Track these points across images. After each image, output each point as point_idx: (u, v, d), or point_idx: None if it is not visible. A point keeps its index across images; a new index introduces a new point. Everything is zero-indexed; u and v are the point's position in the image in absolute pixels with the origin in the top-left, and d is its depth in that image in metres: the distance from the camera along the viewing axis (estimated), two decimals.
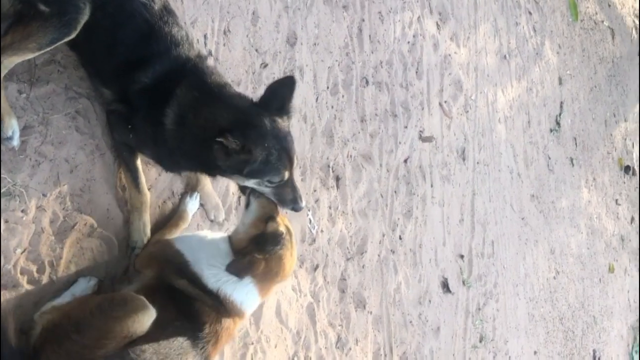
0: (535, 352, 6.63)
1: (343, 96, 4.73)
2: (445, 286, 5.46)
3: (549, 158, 7.44)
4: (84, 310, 2.57)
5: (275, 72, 4.19)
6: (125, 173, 3.14)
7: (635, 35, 10.64)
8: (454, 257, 5.64)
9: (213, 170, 2.93)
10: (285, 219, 3.01)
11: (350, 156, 4.72)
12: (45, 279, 2.84)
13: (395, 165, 5.13)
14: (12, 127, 2.74)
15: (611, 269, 8.50)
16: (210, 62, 3.11)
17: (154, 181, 3.35)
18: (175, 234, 3.31)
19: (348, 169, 4.68)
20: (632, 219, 9.39)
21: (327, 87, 4.62)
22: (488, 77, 6.55)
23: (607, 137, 9.10)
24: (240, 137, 2.68)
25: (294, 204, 2.96)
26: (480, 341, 5.77)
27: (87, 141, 3.06)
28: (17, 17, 2.67)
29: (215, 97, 2.88)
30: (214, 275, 2.85)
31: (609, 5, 9.93)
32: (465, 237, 5.84)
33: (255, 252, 2.85)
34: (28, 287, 2.78)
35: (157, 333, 2.60)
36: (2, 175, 2.72)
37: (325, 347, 4.24)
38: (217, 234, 3.07)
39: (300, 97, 4.36)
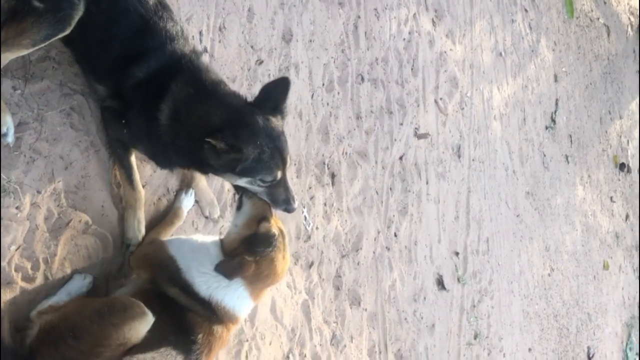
0: (529, 349, 6.64)
1: (338, 93, 4.73)
2: (440, 283, 5.46)
3: (544, 155, 7.45)
4: (82, 314, 2.56)
5: (271, 69, 4.19)
6: (120, 170, 3.13)
7: (630, 32, 10.65)
8: (449, 254, 5.64)
9: (206, 168, 2.91)
10: (278, 221, 3.00)
11: (346, 153, 4.72)
12: (39, 276, 2.84)
13: (391, 162, 5.13)
14: (7, 123, 2.74)
15: (606, 266, 8.52)
16: (205, 58, 3.10)
17: (148, 178, 3.35)
18: (170, 231, 3.31)
19: (343, 166, 4.68)
20: (627, 216, 9.41)
21: (323, 84, 4.61)
22: (484, 74, 6.55)
23: (602, 135, 9.11)
24: (231, 136, 2.68)
25: (287, 205, 2.95)
26: (475, 338, 5.77)
27: (82, 138, 3.05)
28: (11, 13, 2.66)
29: (209, 95, 2.88)
30: (205, 283, 2.83)
31: (605, 3, 9.93)
32: (460, 234, 5.84)
33: (246, 253, 2.83)
34: (22, 284, 2.78)
35: (150, 346, 2.58)
36: None
37: (320, 344, 4.25)
38: (209, 238, 3.05)
39: (296, 94, 4.35)
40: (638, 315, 9.23)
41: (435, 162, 5.63)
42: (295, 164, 4.27)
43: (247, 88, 3.97)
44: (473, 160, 6.13)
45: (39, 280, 2.84)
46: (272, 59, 4.23)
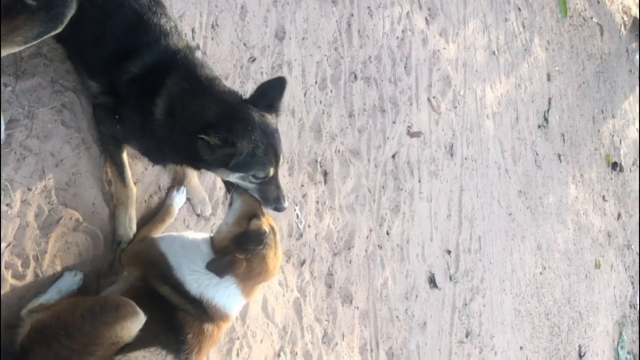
0: (521, 348, 6.66)
1: (331, 91, 4.73)
2: (432, 281, 5.47)
3: (537, 154, 7.47)
4: (74, 313, 2.55)
5: (264, 67, 4.18)
6: (111, 167, 3.13)
7: (623, 31, 10.68)
8: (441, 253, 5.65)
9: (199, 163, 2.91)
10: (269, 218, 2.99)
11: (338, 151, 4.72)
12: (30, 274, 2.83)
13: (383, 160, 5.13)
14: None
15: (597, 265, 8.54)
16: (198, 55, 3.10)
17: (140, 175, 3.34)
18: (162, 229, 3.30)
19: (336, 164, 4.68)
20: (619, 215, 9.44)
21: (316, 82, 4.61)
22: (477, 72, 6.56)
23: (594, 134, 9.13)
24: (225, 131, 2.68)
25: (277, 203, 2.95)
26: (467, 336, 5.79)
27: (73, 135, 3.04)
28: (4, 10, 2.65)
29: (204, 90, 2.88)
30: (196, 280, 2.82)
31: (598, 2, 9.95)
32: (452, 232, 5.85)
33: (237, 251, 2.82)
34: (12, 281, 2.77)
35: (141, 345, 2.58)
36: None
37: (312, 342, 4.25)
38: (200, 235, 3.04)
39: (289, 92, 4.35)
40: (630, 313, 9.27)
41: (427, 160, 5.63)
42: (287, 162, 4.27)
43: (240, 85, 3.97)
44: (466, 158, 6.14)
45: (29, 278, 2.83)
46: (265, 57, 4.23)
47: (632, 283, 9.51)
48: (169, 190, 3.46)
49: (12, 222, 2.78)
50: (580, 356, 7.78)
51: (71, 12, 2.70)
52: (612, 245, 9.09)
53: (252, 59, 4.12)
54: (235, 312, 2.99)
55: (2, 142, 2.77)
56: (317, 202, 4.48)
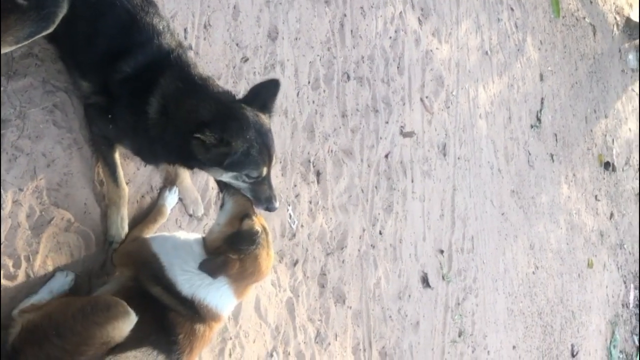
0: (514, 347, 6.67)
1: (324, 91, 4.73)
2: (425, 281, 5.48)
3: (530, 154, 7.48)
4: (66, 313, 2.55)
5: (256, 67, 4.18)
6: (103, 167, 3.12)
7: (616, 31, 10.71)
8: (434, 252, 5.66)
9: (192, 162, 2.91)
10: (261, 218, 2.99)
11: (331, 151, 4.73)
12: (21, 274, 2.83)
13: (376, 160, 5.14)
14: None
15: (590, 264, 8.57)
16: (191, 54, 3.10)
17: (132, 175, 3.34)
18: (154, 229, 3.30)
19: (329, 164, 4.68)
20: (612, 214, 9.47)
21: (309, 82, 4.61)
22: (469, 72, 6.57)
23: (587, 134, 9.16)
24: (220, 130, 2.68)
25: (269, 203, 2.95)
26: (460, 336, 5.80)
27: (65, 135, 3.04)
28: None
29: (198, 89, 2.88)
30: (188, 281, 2.82)
31: (591, 2, 9.97)
32: (445, 232, 5.86)
33: (230, 251, 2.82)
34: (4, 282, 2.77)
35: (133, 345, 2.58)
36: None
37: (305, 342, 4.25)
38: (192, 236, 3.04)
39: (281, 92, 4.31)
40: (623, 312, 9.30)
41: (420, 160, 5.64)
42: (280, 162, 4.27)
43: (233, 86, 3.97)
44: (458, 158, 6.15)
45: (21, 278, 2.83)
46: (258, 57, 4.23)
47: (625, 282, 9.54)
48: (161, 191, 3.46)
49: (3, 223, 2.77)
50: (573, 355, 7.80)
51: (63, 11, 2.70)
52: (605, 245, 9.11)
53: (245, 59, 4.12)
54: (227, 313, 2.98)
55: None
56: (310, 202, 4.49)
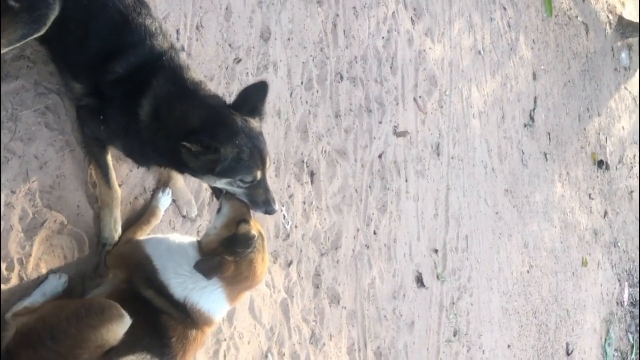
0: (509, 346, 6.68)
1: (318, 92, 4.73)
2: (420, 281, 5.48)
3: (523, 153, 7.49)
4: (60, 316, 2.54)
5: (249, 68, 4.18)
6: (96, 169, 3.11)
7: (609, 30, 10.73)
8: (429, 252, 5.67)
9: (183, 168, 2.90)
10: (257, 224, 2.99)
11: (325, 152, 4.72)
12: (14, 277, 2.82)
13: (370, 160, 5.14)
14: None
15: (584, 263, 8.58)
16: (183, 56, 3.10)
17: (125, 177, 3.33)
18: (147, 231, 3.29)
19: (323, 165, 4.68)
20: (606, 213, 9.49)
21: (302, 83, 4.61)
22: (463, 72, 6.58)
23: (580, 132, 9.17)
24: (208, 138, 2.67)
25: (267, 207, 2.93)
26: (455, 335, 5.80)
27: (57, 137, 3.04)
28: None
29: (190, 94, 2.88)
30: (181, 284, 2.81)
31: (584, 1, 9.99)
32: (439, 231, 5.86)
33: (226, 254, 2.81)
34: None
35: (126, 349, 2.57)
36: None
37: (299, 343, 4.25)
38: (187, 239, 3.03)
39: (275, 93, 4.35)
40: (618, 311, 9.32)
41: (414, 160, 5.65)
42: (274, 163, 4.27)
43: (225, 87, 3.97)
44: (452, 158, 6.16)
45: (14, 281, 2.82)
46: (251, 58, 4.22)
47: (619, 281, 9.57)
48: (155, 192, 3.46)
49: None
50: (568, 354, 7.82)
51: (54, 14, 2.70)
52: (599, 243, 9.13)
53: (238, 60, 4.11)
54: (220, 318, 2.97)
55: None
56: (304, 203, 4.49)
